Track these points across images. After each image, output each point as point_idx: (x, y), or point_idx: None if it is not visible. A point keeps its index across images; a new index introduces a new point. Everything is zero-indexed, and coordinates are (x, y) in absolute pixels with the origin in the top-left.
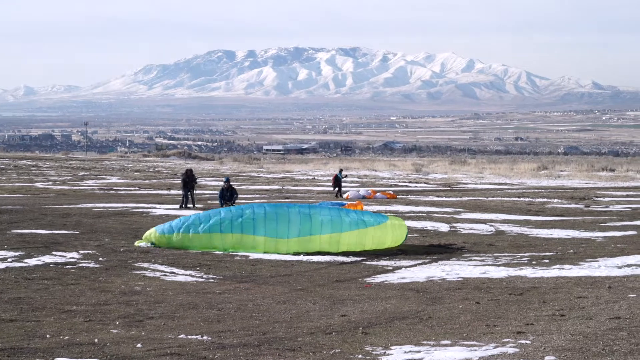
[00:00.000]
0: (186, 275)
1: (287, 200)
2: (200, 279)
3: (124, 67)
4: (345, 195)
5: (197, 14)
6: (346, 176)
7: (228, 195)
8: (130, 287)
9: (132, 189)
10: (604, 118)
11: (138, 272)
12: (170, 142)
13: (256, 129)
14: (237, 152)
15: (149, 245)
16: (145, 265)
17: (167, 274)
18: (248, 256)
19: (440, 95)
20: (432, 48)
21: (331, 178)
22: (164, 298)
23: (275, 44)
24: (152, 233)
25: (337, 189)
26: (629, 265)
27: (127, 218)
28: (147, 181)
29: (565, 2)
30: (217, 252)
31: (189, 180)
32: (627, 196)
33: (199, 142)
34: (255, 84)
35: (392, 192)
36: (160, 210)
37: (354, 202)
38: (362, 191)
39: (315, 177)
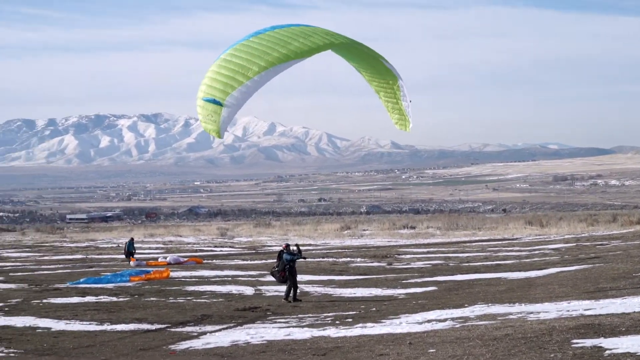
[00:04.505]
0: None
1: (91, 269)
2: (0, 354)
3: None
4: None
5: None
6: (135, 248)
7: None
8: None
9: None
10: (403, 177)
11: None
12: None
13: (59, 198)
14: (40, 222)
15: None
16: None
17: None
18: (50, 328)
19: (243, 159)
20: None
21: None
22: None
23: (75, 112)
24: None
25: (128, 257)
26: (429, 321)
27: None
28: None
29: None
30: (19, 326)
31: None
32: (428, 252)
33: (0, 213)
34: (57, 153)
35: (198, 257)
36: None
37: (161, 269)
38: (169, 258)
39: (120, 245)
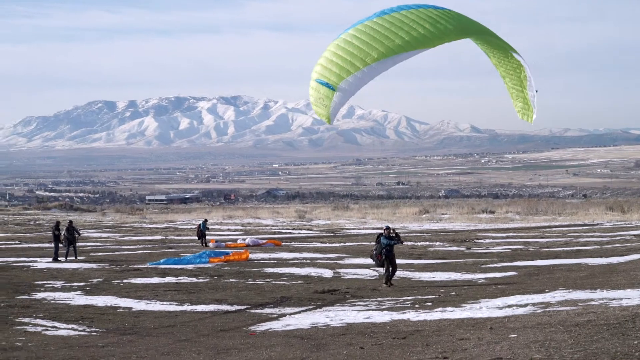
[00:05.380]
0: (68, 329)
1: (170, 250)
2: (82, 333)
3: (2, 119)
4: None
5: (74, 66)
6: (208, 229)
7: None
8: (11, 342)
9: (13, 242)
10: (482, 161)
11: (19, 327)
12: (52, 194)
13: (138, 179)
14: (119, 203)
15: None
16: (26, 320)
17: (49, 328)
18: (131, 308)
19: (322, 141)
20: None
21: (195, 228)
22: (45, 353)
23: (155, 94)
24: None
25: (201, 238)
26: (509, 306)
27: (8, 272)
28: (28, 235)
29: (439, 50)
30: (100, 305)
31: (70, 232)
32: (507, 237)
33: (81, 194)
34: (137, 134)
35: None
36: (41, 263)
37: (240, 251)
38: (248, 239)
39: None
